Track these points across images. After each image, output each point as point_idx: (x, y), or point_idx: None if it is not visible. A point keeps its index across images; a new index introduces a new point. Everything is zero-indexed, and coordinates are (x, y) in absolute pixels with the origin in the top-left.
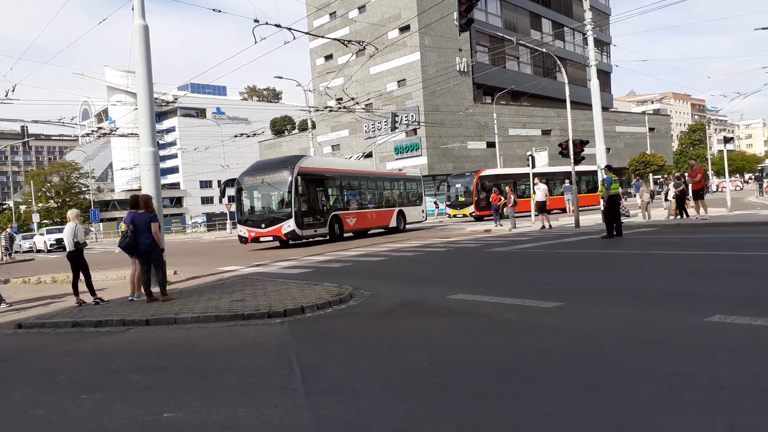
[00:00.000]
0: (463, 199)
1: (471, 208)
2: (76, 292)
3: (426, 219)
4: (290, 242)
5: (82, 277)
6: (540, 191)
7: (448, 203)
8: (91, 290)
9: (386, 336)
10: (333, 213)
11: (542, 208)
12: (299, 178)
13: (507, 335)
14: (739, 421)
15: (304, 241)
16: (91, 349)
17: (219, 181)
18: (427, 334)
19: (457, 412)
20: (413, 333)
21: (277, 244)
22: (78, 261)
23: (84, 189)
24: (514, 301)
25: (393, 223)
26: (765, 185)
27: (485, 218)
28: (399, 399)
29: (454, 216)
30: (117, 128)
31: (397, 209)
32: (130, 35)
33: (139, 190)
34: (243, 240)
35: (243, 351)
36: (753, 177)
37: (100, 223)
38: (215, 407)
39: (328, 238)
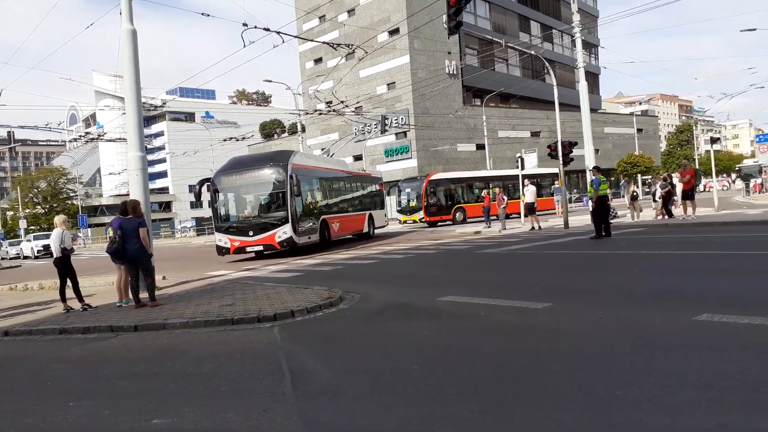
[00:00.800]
0: (413, 204)
1: (421, 214)
2: (63, 299)
3: (387, 224)
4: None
5: (69, 283)
6: (529, 193)
7: (398, 208)
8: (79, 296)
9: (377, 338)
10: (322, 217)
11: (531, 209)
12: (295, 175)
13: (497, 336)
14: (728, 419)
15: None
16: (79, 355)
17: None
18: (417, 336)
19: (449, 413)
20: (404, 335)
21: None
22: (65, 267)
23: (72, 194)
24: (503, 302)
25: (365, 228)
26: (752, 185)
27: (438, 224)
28: (390, 402)
29: (405, 222)
30: (105, 133)
31: (368, 213)
32: (118, 39)
33: (128, 195)
34: (223, 251)
35: (233, 356)
36: (740, 177)
37: (88, 229)
38: (205, 413)
39: (318, 244)
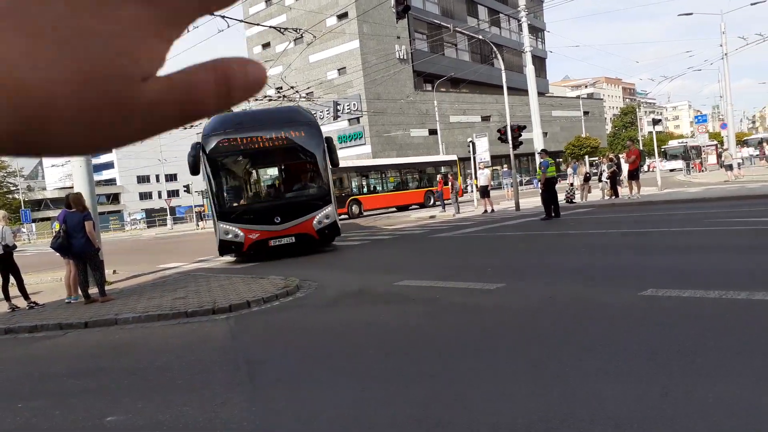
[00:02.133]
0: None
1: None
2: (7, 297)
3: None
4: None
5: (13, 281)
6: (483, 176)
7: None
8: (24, 294)
9: (334, 325)
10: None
11: (485, 192)
12: (330, 138)
13: (452, 318)
14: (671, 386)
15: None
16: (27, 355)
17: (157, 176)
18: (374, 321)
19: (405, 394)
20: (361, 321)
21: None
22: (8, 264)
23: (12, 188)
24: (458, 284)
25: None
26: (692, 164)
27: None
28: (347, 386)
29: None
30: None
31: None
32: None
33: (73, 187)
34: (232, 248)
35: (188, 349)
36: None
37: (32, 224)
38: (160, 408)
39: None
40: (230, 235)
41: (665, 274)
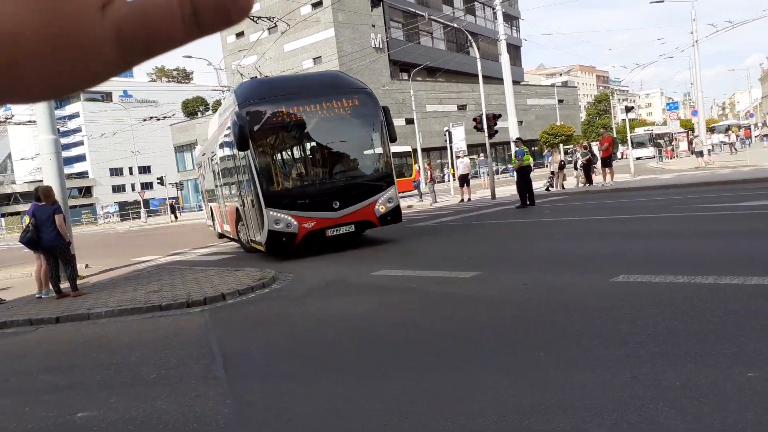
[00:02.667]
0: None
1: None
2: None
3: None
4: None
5: None
6: (462, 165)
7: None
8: None
9: (310, 317)
10: None
11: (464, 181)
12: (387, 110)
13: (427, 307)
14: (640, 371)
15: None
16: None
17: (130, 169)
18: (351, 311)
19: (381, 386)
20: (337, 312)
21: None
22: None
23: None
24: (435, 273)
25: None
26: (663, 151)
27: None
28: (322, 378)
29: None
30: (13, 116)
31: None
32: None
33: (43, 181)
34: (283, 239)
35: (162, 342)
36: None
37: (1, 218)
38: (133, 402)
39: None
40: (281, 225)
41: (637, 259)
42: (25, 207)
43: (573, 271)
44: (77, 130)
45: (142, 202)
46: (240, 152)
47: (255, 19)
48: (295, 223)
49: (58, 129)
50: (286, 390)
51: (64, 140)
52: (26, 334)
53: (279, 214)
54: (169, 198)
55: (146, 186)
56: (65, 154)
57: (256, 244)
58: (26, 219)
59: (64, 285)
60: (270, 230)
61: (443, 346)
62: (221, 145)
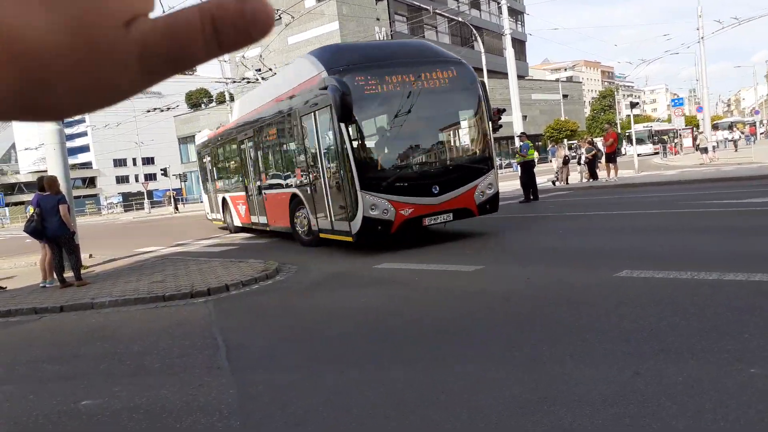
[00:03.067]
0: None
1: None
2: None
3: None
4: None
5: None
6: None
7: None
8: None
9: (313, 308)
10: None
11: None
12: (485, 85)
13: (430, 300)
14: (642, 368)
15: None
16: (0, 340)
17: (134, 160)
18: (353, 304)
19: (383, 377)
20: (340, 304)
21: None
22: None
23: None
24: (437, 266)
25: None
26: (668, 146)
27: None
28: (325, 369)
29: None
30: None
31: None
32: None
33: (46, 171)
34: (378, 228)
35: (165, 333)
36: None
37: (6, 208)
38: (137, 391)
39: None
40: (377, 211)
41: (640, 255)
42: (28, 197)
43: (576, 266)
44: (81, 121)
45: (145, 193)
46: (318, 128)
47: None
48: (393, 209)
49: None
50: (290, 382)
51: (68, 130)
52: (30, 323)
53: (376, 199)
54: (171, 189)
55: (150, 177)
56: (69, 144)
57: (337, 234)
58: (30, 209)
59: (68, 274)
60: (365, 217)
61: (447, 339)
62: (276, 122)
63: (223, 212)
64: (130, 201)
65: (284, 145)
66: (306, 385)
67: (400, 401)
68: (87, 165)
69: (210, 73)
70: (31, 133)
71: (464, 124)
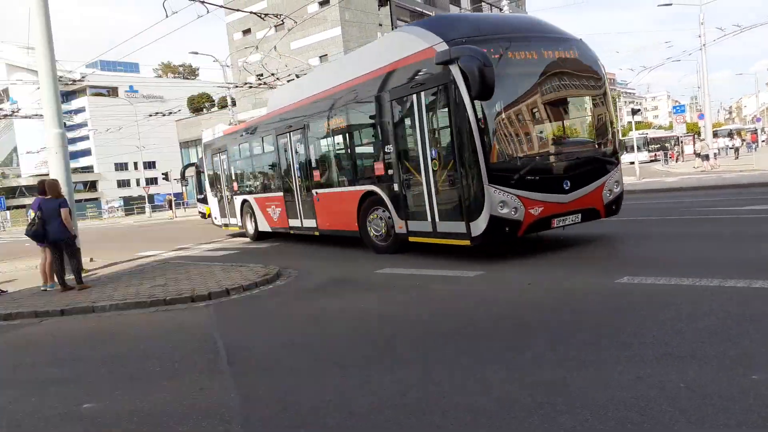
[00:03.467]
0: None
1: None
2: None
3: None
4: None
5: None
6: None
7: (200, 197)
8: None
9: (314, 313)
10: None
11: None
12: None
13: (431, 305)
14: (644, 372)
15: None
16: (1, 343)
17: (135, 164)
18: (354, 309)
19: (384, 381)
20: (341, 309)
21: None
22: None
23: None
24: (438, 272)
25: None
26: (669, 154)
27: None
28: (326, 373)
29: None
30: (19, 109)
31: None
32: (27, 8)
33: (48, 175)
34: (509, 228)
35: (166, 336)
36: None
37: (7, 211)
38: (138, 395)
39: None
40: (506, 209)
41: (641, 261)
42: (30, 200)
43: (578, 272)
44: (83, 125)
45: (146, 198)
46: (424, 112)
47: (262, 16)
48: (523, 207)
49: (64, 123)
50: (292, 385)
51: (69, 134)
52: (31, 326)
53: (505, 195)
54: (169, 195)
55: (151, 181)
56: (71, 148)
57: (443, 237)
58: (31, 213)
59: (69, 278)
60: (492, 216)
61: (447, 343)
62: (346, 109)
63: (242, 216)
64: (131, 205)
65: (357, 136)
66: (308, 389)
67: (401, 404)
68: (88, 169)
69: (212, 78)
70: (33, 137)
71: (593, 111)
